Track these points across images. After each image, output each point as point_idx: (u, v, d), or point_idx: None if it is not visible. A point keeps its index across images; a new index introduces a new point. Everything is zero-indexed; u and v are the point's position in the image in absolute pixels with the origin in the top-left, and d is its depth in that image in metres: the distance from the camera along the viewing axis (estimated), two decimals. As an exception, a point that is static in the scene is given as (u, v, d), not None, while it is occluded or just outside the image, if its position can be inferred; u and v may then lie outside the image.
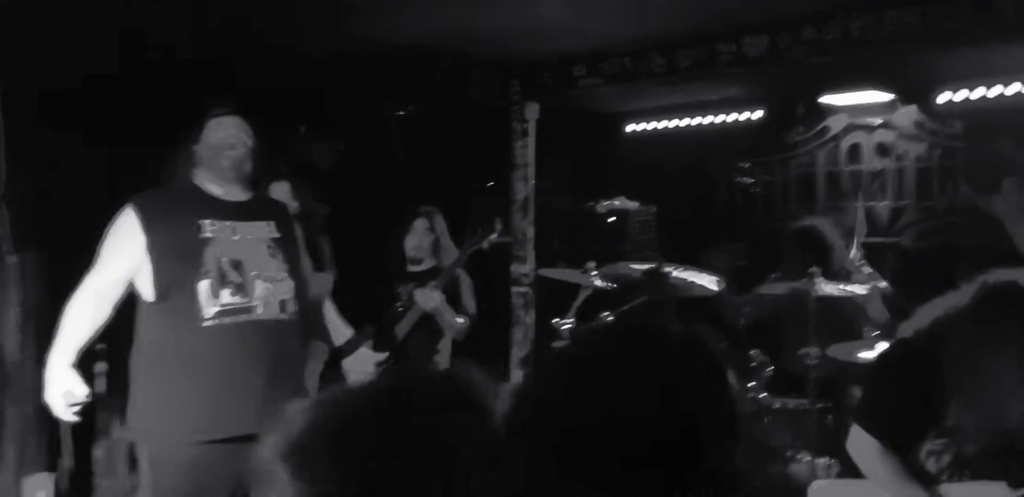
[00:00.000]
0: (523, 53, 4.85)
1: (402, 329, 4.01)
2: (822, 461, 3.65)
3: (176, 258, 2.85)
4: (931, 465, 2.31)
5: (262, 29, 4.16)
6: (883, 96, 5.35)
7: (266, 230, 3.00)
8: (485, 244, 4.10)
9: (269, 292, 2.91)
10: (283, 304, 2.95)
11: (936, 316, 2.29)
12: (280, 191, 4.92)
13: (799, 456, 3.78)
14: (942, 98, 5.16)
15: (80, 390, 2.76)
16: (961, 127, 5.11)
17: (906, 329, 2.38)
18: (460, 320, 4.13)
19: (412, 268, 4.29)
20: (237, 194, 3.00)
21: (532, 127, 5.30)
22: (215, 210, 2.93)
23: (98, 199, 4.83)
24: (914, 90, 5.22)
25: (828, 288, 3.79)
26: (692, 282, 4.14)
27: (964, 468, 2.28)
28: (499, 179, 5.52)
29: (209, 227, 2.89)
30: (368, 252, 4.71)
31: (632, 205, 6.11)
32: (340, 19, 4.07)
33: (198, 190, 2.98)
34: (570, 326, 4.51)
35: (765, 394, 3.92)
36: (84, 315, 2.84)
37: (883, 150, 5.47)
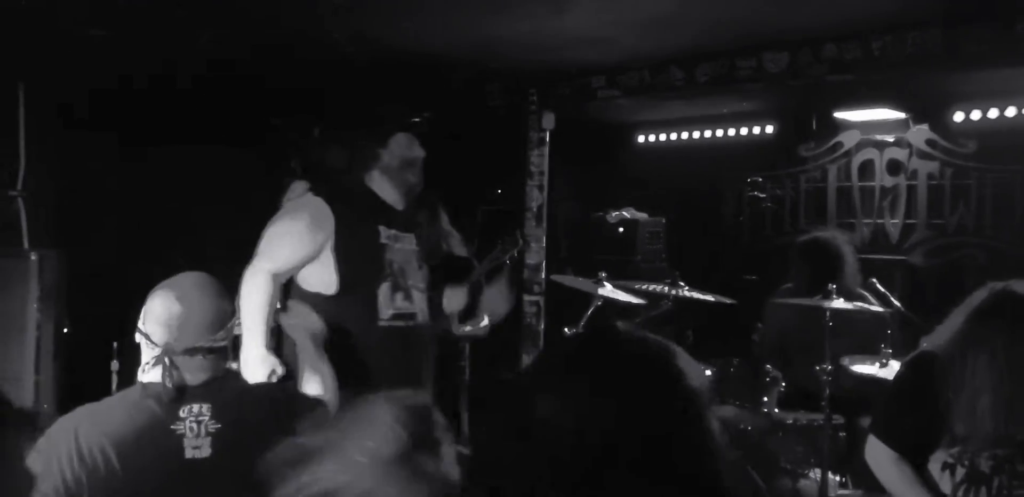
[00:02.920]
0: (542, 63, 4.87)
1: None
2: (834, 477, 3.67)
3: (360, 258, 2.97)
4: (946, 480, 2.34)
5: (283, 31, 4.18)
6: (897, 114, 5.39)
7: (413, 242, 3.11)
8: (507, 259, 4.12)
9: (422, 301, 3.07)
10: (427, 313, 3.10)
11: (953, 328, 2.34)
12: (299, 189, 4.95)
13: (811, 472, 3.79)
14: (957, 117, 5.19)
15: (280, 370, 2.81)
16: (975, 147, 5.14)
17: (927, 341, 2.44)
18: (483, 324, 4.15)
19: None
20: (399, 203, 3.10)
21: (547, 136, 5.32)
22: (387, 217, 3.05)
23: (116, 197, 4.89)
24: (928, 109, 5.26)
25: (841, 303, 3.80)
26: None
27: (980, 483, 2.30)
28: (512, 187, 5.54)
29: (384, 233, 3.01)
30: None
31: (642, 216, 6.14)
32: (362, 25, 4.09)
33: (373, 195, 3.07)
34: (581, 336, 4.54)
35: (777, 409, 3.94)
36: (269, 300, 2.89)
37: (895, 167, 5.50)
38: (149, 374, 2.02)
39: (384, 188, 3.09)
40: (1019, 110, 4.93)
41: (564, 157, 5.53)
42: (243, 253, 5.09)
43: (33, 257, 4.13)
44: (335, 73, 4.85)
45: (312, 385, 2.33)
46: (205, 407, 2.01)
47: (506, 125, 5.29)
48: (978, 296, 2.35)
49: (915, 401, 2.37)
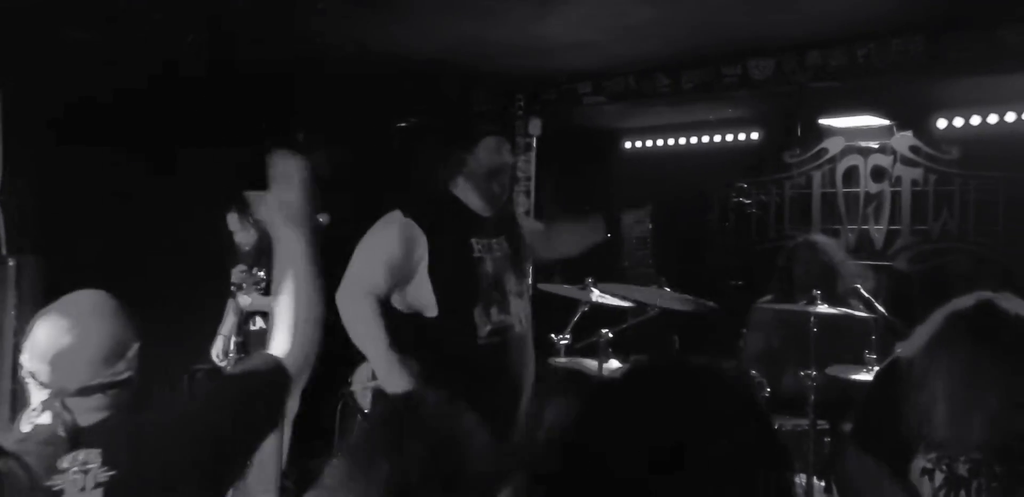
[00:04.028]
0: (529, 69, 4.88)
1: None
2: (818, 482, 3.67)
3: (456, 277, 2.90)
4: (926, 485, 2.34)
5: (265, 37, 4.16)
6: (881, 120, 5.41)
7: (505, 246, 3.03)
8: None
9: (518, 307, 2.99)
10: (525, 318, 3.04)
11: (929, 332, 2.32)
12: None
13: (795, 477, 3.79)
14: (940, 124, 5.22)
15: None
16: (958, 154, 5.17)
17: (901, 347, 2.44)
18: None
19: None
20: (486, 211, 3.04)
21: (534, 142, 5.33)
22: (477, 227, 2.98)
23: (96, 203, 4.85)
24: (912, 115, 5.29)
25: (825, 309, 3.81)
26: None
27: (959, 487, 2.30)
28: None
29: (476, 246, 2.94)
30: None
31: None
32: (347, 29, 4.08)
33: (460, 203, 3.00)
34: (567, 342, 4.54)
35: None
36: (382, 323, 2.85)
37: (879, 174, 5.53)
38: (35, 419, 1.69)
39: (470, 196, 3.01)
40: (1001, 117, 4.96)
41: (551, 163, 5.53)
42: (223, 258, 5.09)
43: (11, 263, 4.09)
44: (321, 78, 4.84)
45: None
46: (93, 453, 1.65)
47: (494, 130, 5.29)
48: (961, 302, 2.32)
49: (889, 408, 2.36)
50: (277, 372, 1.89)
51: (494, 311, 2.95)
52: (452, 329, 2.92)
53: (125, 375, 1.75)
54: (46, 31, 3.97)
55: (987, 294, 2.30)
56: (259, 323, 4.41)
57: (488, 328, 2.95)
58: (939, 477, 2.31)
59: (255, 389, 1.87)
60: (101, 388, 1.71)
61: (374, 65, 4.62)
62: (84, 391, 1.69)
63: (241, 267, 4.48)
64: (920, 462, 2.33)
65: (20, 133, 4.49)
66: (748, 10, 3.71)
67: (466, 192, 3.01)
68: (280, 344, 1.93)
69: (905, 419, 2.31)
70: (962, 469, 2.28)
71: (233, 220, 4.17)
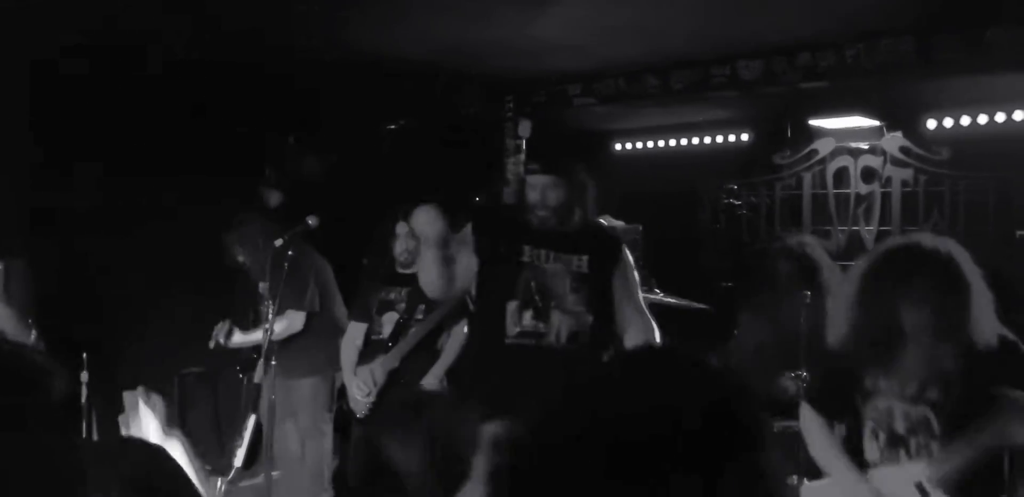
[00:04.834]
0: (519, 71, 4.88)
1: (406, 346, 3.98)
2: (809, 483, 3.66)
3: (496, 276, 3.05)
4: (874, 448, 2.42)
5: (258, 39, 4.15)
6: (871, 121, 5.42)
7: (575, 264, 3.06)
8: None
9: (563, 323, 2.99)
10: (574, 336, 3.01)
11: (863, 266, 2.42)
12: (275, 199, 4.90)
13: (786, 478, 3.79)
14: (930, 125, 5.23)
15: None
16: (948, 154, 5.18)
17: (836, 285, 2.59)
18: None
19: (402, 270, 4.28)
20: (568, 223, 3.08)
21: (524, 144, 5.32)
22: (535, 237, 3.05)
23: (83, 207, 4.83)
24: (902, 116, 5.30)
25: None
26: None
27: (898, 445, 2.37)
28: (489, 195, 5.52)
29: (528, 252, 3.03)
30: (358, 262, 4.72)
31: (619, 223, 6.13)
32: (337, 31, 4.08)
33: (524, 214, 3.07)
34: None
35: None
36: None
37: (869, 175, 5.53)
38: None
39: (526, 209, 3.10)
40: (990, 117, 4.97)
41: (587, 172, 5.51)
42: (214, 264, 5.07)
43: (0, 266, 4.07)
44: (312, 80, 4.83)
45: None
46: None
47: (482, 132, 5.29)
48: (894, 240, 2.48)
49: (830, 365, 2.56)
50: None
51: (527, 315, 3.00)
52: (485, 324, 3.10)
53: None
54: (39, 36, 3.96)
55: (920, 234, 2.43)
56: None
57: (517, 330, 3.01)
58: (882, 438, 2.39)
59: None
60: None
61: (363, 67, 4.61)
62: None
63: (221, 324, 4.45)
64: (870, 424, 2.41)
65: (9, 139, 4.48)
66: (737, 11, 3.71)
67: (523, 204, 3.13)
68: None
69: (841, 373, 2.45)
70: (900, 428, 2.34)
71: (403, 229, 4.15)
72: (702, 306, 4.58)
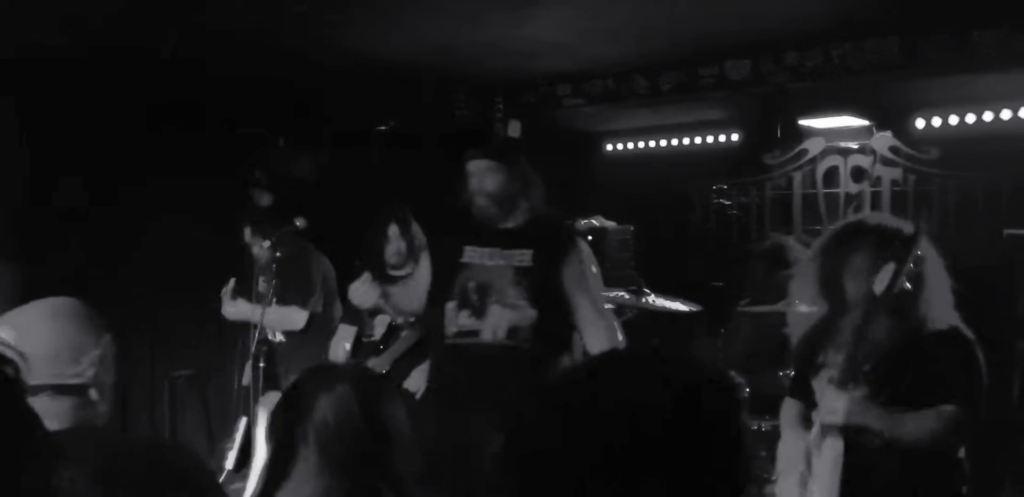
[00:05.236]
0: (508, 72, 4.88)
1: (398, 349, 3.98)
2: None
3: (439, 278, 3.09)
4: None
5: (248, 40, 4.15)
6: (860, 121, 5.43)
7: (518, 258, 3.03)
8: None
9: (502, 318, 2.97)
10: (514, 331, 2.97)
11: (816, 246, 2.56)
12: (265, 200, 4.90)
13: (775, 478, 3.79)
14: (919, 124, 5.24)
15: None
16: (937, 153, 5.19)
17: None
18: None
19: (394, 272, 4.29)
20: (506, 222, 3.08)
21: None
22: (481, 236, 3.07)
23: (73, 208, 4.82)
24: (891, 116, 5.30)
25: (804, 309, 3.81)
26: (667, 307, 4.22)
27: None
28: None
29: (468, 253, 3.04)
30: (349, 264, 4.71)
31: (610, 224, 6.14)
32: (327, 33, 4.07)
33: (468, 214, 3.09)
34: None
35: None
36: None
37: (859, 174, 5.54)
38: None
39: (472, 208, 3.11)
40: (979, 117, 4.98)
41: (531, 165, 5.52)
42: (205, 267, 5.07)
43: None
44: (301, 81, 4.83)
45: None
46: None
47: (472, 133, 5.28)
48: (839, 222, 2.63)
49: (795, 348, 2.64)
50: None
51: (463, 314, 3.00)
52: (431, 325, 3.13)
53: (75, 380, 1.69)
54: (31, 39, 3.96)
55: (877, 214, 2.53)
56: (279, 336, 4.37)
57: (454, 329, 3.01)
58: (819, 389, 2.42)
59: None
60: (46, 389, 1.65)
61: (352, 69, 4.61)
62: (30, 390, 1.58)
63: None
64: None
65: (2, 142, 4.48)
66: (724, 11, 3.72)
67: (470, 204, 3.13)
68: None
69: (804, 356, 2.53)
70: (832, 376, 2.37)
71: (394, 231, 4.15)
72: (693, 307, 4.58)
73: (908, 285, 2.27)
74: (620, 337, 3.12)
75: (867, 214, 2.60)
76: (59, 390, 1.67)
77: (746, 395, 4.00)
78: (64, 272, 4.46)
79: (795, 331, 2.61)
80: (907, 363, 2.30)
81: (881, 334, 2.30)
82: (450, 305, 3.02)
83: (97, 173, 4.82)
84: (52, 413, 1.62)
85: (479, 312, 2.98)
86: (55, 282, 4.46)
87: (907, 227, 2.37)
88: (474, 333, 2.99)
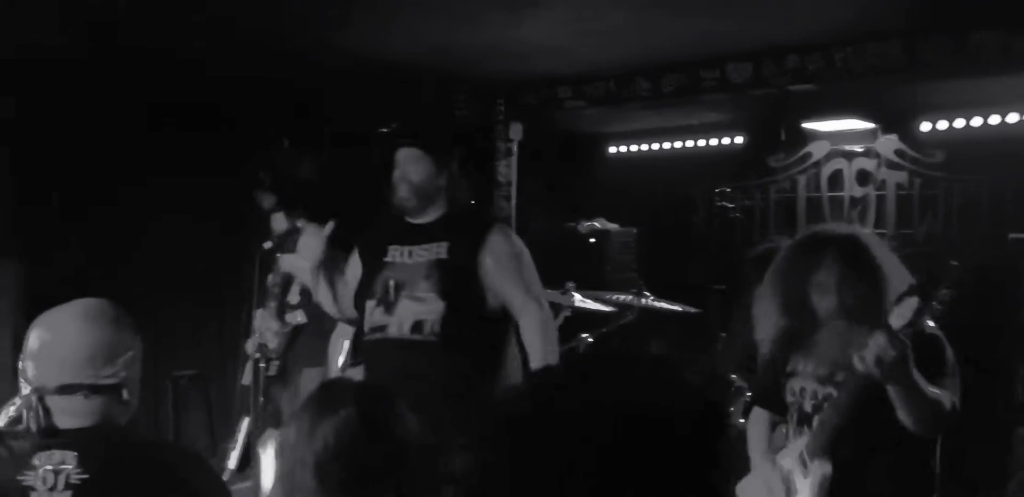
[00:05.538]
0: (509, 73, 4.88)
1: None
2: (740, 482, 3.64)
3: (364, 278, 3.08)
4: (788, 431, 2.46)
5: (249, 41, 4.16)
6: (865, 124, 5.40)
7: (435, 251, 3.00)
8: None
9: (408, 312, 2.95)
10: (419, 325, 2.95)
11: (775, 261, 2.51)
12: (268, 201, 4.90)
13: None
14: (924, 127, 5.21)
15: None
16: (942, 157, 5.16)
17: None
18: None
19: None
20: (425, 217, 3.07)
21: (515, 147, 5.32)
22: (402, 234, 3.05)
23: (75, 208, 4.85)
24: (896, 119, 5.28)
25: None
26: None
27: (804, 423, 2.37)
28: (480, 198, 5.52)
29: (391, 251, 3.03)
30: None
31: (612, 227, 6.13)
32: (327, 34, 4.08)
33: (389, 212, 3.10)
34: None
35: (743, 419, 3.92)
36: None
37: (864, 177, 5.52)
38: (13, 413, 1.73)
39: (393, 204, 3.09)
40: (985, 120, 4.95)
41: (533, 168, 5.53)
42: (206, 266, 5.08)
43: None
44: (301, 83, 4.84)
45: None
46: (70, 455, 1.67)
47: (473, 135, 5.28)
48: (796, 236, 2.55)
49: (763, 358, 2.62)
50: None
51: (378, 311, 3.00)
52: (358, 325, 3.16)
53: (110, 380, 1.76)
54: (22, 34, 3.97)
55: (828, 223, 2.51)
56: (299, 318, 4.34)
57: (369, 327, 3.04)
58: (793, 418, 2.41)
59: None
60: (83, 389, 1.73)
61: (353, 69, 4.61)
62: (64, 390, 1.71)
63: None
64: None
65: (5, 140, 4.50)
66: (725, 13, 3.70)
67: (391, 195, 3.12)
68: None
69: (766, 362, 2.53)
70: (808, 406, 2.36)
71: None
72: (693, 310, 4.57)
73: (932, 324, 2.20)
74: (552, 328, 3.04)
75: (823, 225, 2.55)
76: (94, 390, 1.75)
77: (746, 397, 3.97)
78: (64, 272, 4.49)
79: (763, 337, 2.58)
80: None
81: (852, 344, 2.19)
82: (370, 303, 3.02)
83: (97, 173, 4.83)
84: (84, 411, 1.75)
85: (390, 308, 2.98)
86: (55, 281, 4.51)
87: (859, 231, 2.38)
88: (383, 328, 3.00)
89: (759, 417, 2.60)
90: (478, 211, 3.21)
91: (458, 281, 2.94)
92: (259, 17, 3.77)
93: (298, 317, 4.20)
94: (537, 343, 2.96)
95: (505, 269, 2.97)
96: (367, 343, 3.07)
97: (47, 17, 3.62)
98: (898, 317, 2.02)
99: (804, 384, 2.37)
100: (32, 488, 1.65)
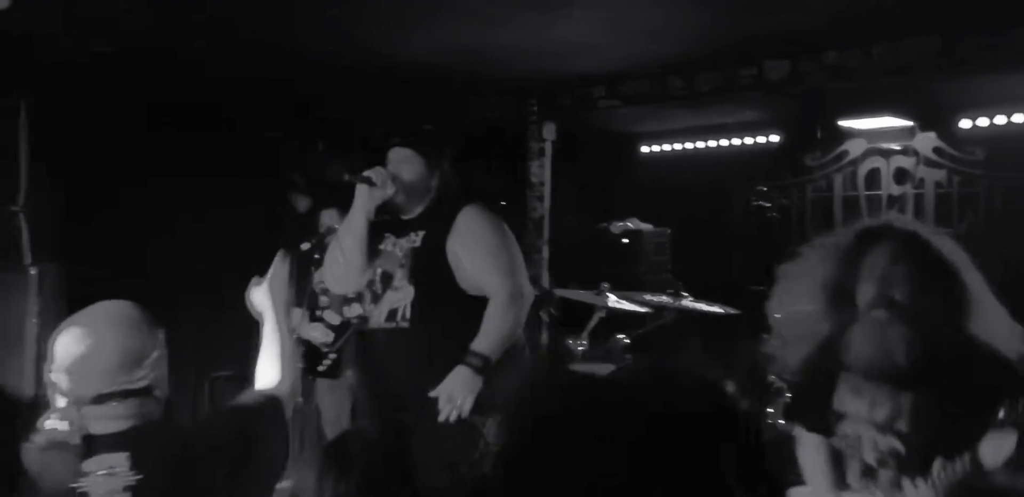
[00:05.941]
0: (542, 73, 4.86)
1: None
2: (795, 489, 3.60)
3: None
4: (851, 470, 2.15)
5: (277, 44, 4.18)
6: (903, 121, 5.34)
7: (412, 240, 3.03)
8: None
9: (385, 301, 3.01)
10: (393, 313, 2.98)
11: (839, 246, 2.21)
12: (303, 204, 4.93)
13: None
14: (963, 124, 5.14)
15: None
16: (982, 154, 5.09)
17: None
18: None
19: None
20: (410, 213, 3.09)
21: (549, 147, 5.30)
22: (395, 227, 3.08)
23: (117, 212, 4.88)
24: (934, 116, 5.21)
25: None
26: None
27: (871, 476, 2.09)
28: (513, 198, 5.51)
29: (385, 242, 3.06)
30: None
31: (646, 227, 6.10)
32: (357, 35, 4.09)
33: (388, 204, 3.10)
34: (584, 347, 4.51)
35: (782, 421, 3.88)
36: None
37: (902, 176, 5.45)
38: (53, 425, 1.75)
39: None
40: (1027, 116, 4.88)
41: (566, 168, 5.51)
42: (245, 267, 5.09)
43: (33, 272, 4.14)
44: (334, 85, 4.85)
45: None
46: (121, 458, 1.70)
47: (506, 135, 5.28)
48: (865, 222, 2.26)
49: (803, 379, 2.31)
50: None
51: (366, 302, 3.08)
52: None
53: (142, 383, 1.78)
54: (70, 45, 4.02)
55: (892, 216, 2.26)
56: (356, 309, 4.32)
57: (357, 317, 3.26)
58: (855, 466, 2.11)
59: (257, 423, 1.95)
60: (118, 396, 1.75)
61: (384, 72, 4.62)
62: (100, 399, 1.74)
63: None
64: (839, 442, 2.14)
65: (43, 144, 4.54)
66: (762, 11, 3.67)
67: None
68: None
69: (810, 382, 2.23)
70: (870, 458, 2.06)
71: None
72: (732, 310, 4.52)
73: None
74: (509, 316, 2.91)
75: (890, 216, 2.28)
76: (128, 394, 1.77)
77: (786, 399, 3.93)
78: (106, 269, 4.53)
79: (789, 345, 2.31)
80: (955, 404, 1.95)
81: (914, 363, 1.98)
82: (366, 294, 3.12)
83: (100, 173, 4.85)
84: (122, 415, 1.76)
85: (376, 298, 3.03)
86: (94, 284, 4.55)
87: (922, 228, 2.15)
88: (365, 319, 3.11)
89: (811, 445, 2.25)
90: (459, 198, 3.07)
91: (427, 267, 2.95)
92: (259, 17, 3.77)
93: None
94: (484, 329, 2.88)
95: (472, 251, 2.94)
96: (354, 333, 3.30)
97: (48, 17, 3.63)
98: (993, 453, 1.79)
99: (859, 430, 2.07)
100: (87, 494, 1.67)
